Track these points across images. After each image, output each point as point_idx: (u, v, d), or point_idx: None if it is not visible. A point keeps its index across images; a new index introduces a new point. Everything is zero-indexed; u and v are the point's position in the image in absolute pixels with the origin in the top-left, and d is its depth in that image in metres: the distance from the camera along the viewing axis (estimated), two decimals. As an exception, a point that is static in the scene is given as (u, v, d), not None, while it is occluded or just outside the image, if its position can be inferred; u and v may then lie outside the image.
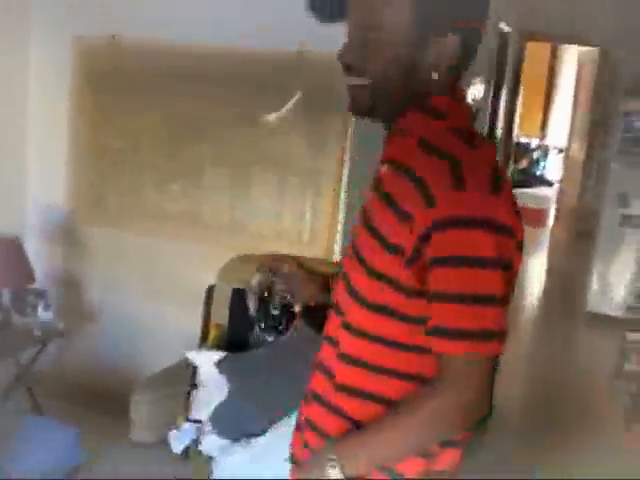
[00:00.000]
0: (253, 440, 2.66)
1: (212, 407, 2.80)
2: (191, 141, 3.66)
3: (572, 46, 9.52)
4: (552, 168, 10.84)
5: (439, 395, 1.35)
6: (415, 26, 1.38)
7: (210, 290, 3.44)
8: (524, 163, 10.86)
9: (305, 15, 1.62)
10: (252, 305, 1.74)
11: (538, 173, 10.97)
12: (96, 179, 3.88)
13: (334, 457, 1.40)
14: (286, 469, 2.59)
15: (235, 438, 2.69)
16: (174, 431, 2.87)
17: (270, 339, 1.76)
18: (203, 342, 3.35)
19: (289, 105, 3.42)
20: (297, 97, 3.40)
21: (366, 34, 1.40)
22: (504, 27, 7.07)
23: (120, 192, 3.84)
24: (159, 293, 3.77)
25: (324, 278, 1.74)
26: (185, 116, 3.65)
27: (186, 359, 3.09)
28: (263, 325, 1.78)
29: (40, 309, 3.55)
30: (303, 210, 3.48)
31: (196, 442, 2.80)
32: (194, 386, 3.00)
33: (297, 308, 1.71)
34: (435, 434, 1.40)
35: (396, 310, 1.39)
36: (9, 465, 2.58)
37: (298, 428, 1.67)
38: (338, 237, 3.44)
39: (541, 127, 11.31)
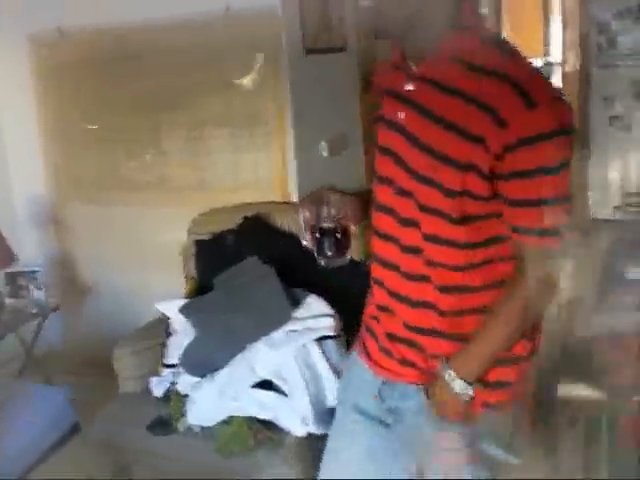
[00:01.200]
0: (217, 374, 2.86)
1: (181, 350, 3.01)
2: (149, 112, 3.84)
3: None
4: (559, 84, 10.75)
5: (527, 285, 1.59)
6: None
7: (185, 247, 3.64)
8: (530, 84, 10.77)
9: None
10: (307, 238, 1.83)
11: (547, 92, 10.89)
12: (71, 161, 4.10)
13: (454, 374, 1.68)
14: (248, 394, 2.79)
15: (202, 374, 2.90)
16: (154, 377, 3.09)
17: (324, 263, 1.83)
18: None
19: (257, 67, 3.56)
20: (260, 62, 3.54)
21: None
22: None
23: (94, 169, 4.06)
24: (143, 258, 3.98)
25: (361, 198, 1.88)
26: (140, 90, 3.83)
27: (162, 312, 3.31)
28: (319, 253, 1.83)
29: (32, 289, 3.79)
30: (257, 158, 3.64)
31: (174, 384, 3.01)
32: (169, 334, 3.21)
33: (353, 228, 1.84)
34: (528, 318, 1.67)
35: (474, 215, 1.59)
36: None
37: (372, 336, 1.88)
38: (293, 180, 3.60)
39: (544, 45, 11.17)
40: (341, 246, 1.82)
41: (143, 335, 3.31)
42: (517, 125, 1.46)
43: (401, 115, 1.64)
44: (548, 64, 11.06)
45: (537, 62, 11.02)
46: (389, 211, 1.72)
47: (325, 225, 1.79)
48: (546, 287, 1.60)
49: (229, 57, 3.54)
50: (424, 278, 1.69)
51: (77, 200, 4.13)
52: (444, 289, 1.67)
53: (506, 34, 8.76)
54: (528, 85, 1.47)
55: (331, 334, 2.84)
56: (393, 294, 1.76)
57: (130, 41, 3.75)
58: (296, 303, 2.95)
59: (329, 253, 1.81)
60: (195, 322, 3.02)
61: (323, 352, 2.82)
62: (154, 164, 3.90)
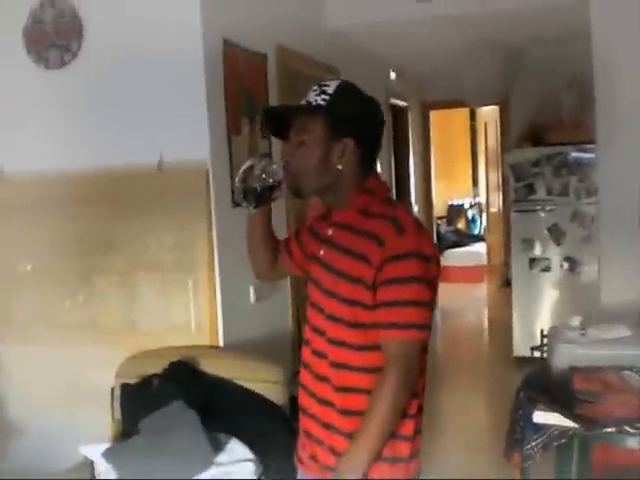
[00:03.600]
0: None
1: (106, 495, 3.05)
2: (83, 255, 3.97)
3: (482, 107, 9.92)
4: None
5: (389, 376, 1.94)
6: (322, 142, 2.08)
7: (113, 390, 3.70)
8: (460, 223, 11.26)
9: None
10: (237, 184, 2.22)
11: (476, 231, 11.37)
12: (2, 300, 4.18)
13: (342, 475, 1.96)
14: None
15: (124, 520, 2.93)
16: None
17: (252, 209, 2.30)
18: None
19: (187, 217, 3.75)
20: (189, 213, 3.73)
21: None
22: (399, 102, 7.56)
23: (25, 309, 4.15)
24: (71, 399, 4.01)
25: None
26: (75, 234, 3.97)
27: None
28: (247, 197, 2.22)
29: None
30: (186, 303, 3.77)
31: (97, 529, 3.03)
32: (93, 478, 3.24)
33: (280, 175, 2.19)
34: (398, 403, 1.96)
35: (364, 322, 2.01)
36: None
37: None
38: (220, 322, 3.74)
39: (473, 187, 11.74)
40: (259, 194, 2.21)
41: (67, 477, 3.33)
42: (390, 245, 1.97)
43: (321, 252, 2.18)
44: (476, 204, 11.63)
45: (466, 202, 11.57)
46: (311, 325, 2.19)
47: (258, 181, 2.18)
48: (407, 373, 1.95)
49: (160, 207, 3.73)
50: (325, 379, 2.09)
51: (8, 340, 4.18)
52: (341, 389, 2.05)
53: (435, 177, 9.27)
54: (400, 220, 2.01)
55: (251, 479, 2.92)
56: (309, 393, 2.16)
57: (66, 187, 3.92)
58: (218, 448, 3.03)
59: (246, 198, 2.22)
60: (118, 467, 3.06)
61: (244, 497, 2.90)
62: (86, 306, 4.00)
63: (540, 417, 3.01)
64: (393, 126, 7.50)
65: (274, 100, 4.33)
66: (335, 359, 2.06)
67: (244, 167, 2.21)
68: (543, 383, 3.33)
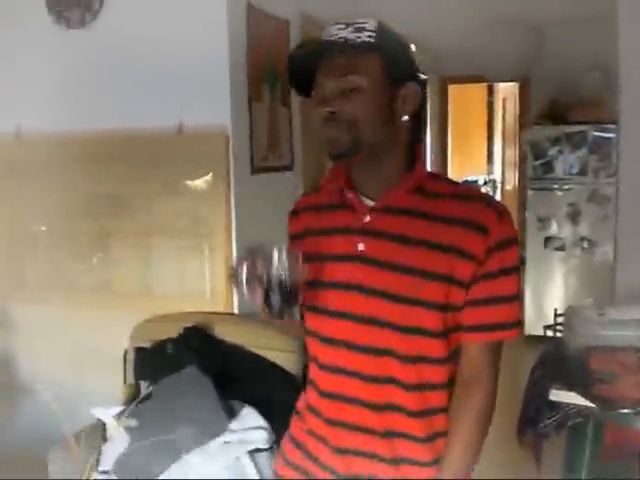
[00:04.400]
0: (149, 483, 2.90)
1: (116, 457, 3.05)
2: (99, 217, 3.96)
3: (501, 84, 9.84)
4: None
5: (480, 392, 1.71)
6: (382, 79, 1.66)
7: (126, 353, 3.70)
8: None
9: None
10: (258, 295, 1.72)
11: (489, 208, 11.28)
12: (17, 261, 4.17)
13: None
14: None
15: (135, 483, 2.93)
16: (87, 484, 3.11)
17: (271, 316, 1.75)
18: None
19: (205, 181, 3.71)
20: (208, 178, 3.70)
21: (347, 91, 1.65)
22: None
23: (40, 270, 4.14)
24: (84, 362, 4.01)
25: None
26: (91, 196, 3.95)
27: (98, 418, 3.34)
28: (272, 309, 1.73)
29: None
30: (202, 269, 3.76)
31: (106, 491, 3.02)
32: (105, 440, 3.24)
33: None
34: (487, 423, 1.73)
35: (450, 328, 1.71)
36: None
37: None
38: (235, 291, 3.72)
39: (487, 163, 11.65)
40: (292, 297, 1.72)
41: (79, 440, 3.32)
42: (495, 231, 1.65)
43: (359, 246, 1.73)
44: (490, 181, 11.54)
45: (480, 179, 11.48)
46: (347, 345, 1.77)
47: (276, 277, 1.68)
48: (496, 383, 1.75)
49: (179, 171, 3.70)
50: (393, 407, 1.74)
51: (21, 300, 4.18)
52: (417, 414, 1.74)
53: (451, 152, 9.21)
54: (494, 202, 1.72)
55: (264, 447, 2.91)
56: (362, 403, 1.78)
57: (83, 148, 3.89)
58: (231, 415, 3.02)
59: (280, 305, 1.72)
60: (131, 430, 3.06)
61: (256, 465, 2.89)
62: (101, 268, 3.99)
63: (557, 395, 3.00)
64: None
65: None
66: (413, 381, 1.72)
67: (242, 270, 1.70)
68: (559, 362, 3.32)
